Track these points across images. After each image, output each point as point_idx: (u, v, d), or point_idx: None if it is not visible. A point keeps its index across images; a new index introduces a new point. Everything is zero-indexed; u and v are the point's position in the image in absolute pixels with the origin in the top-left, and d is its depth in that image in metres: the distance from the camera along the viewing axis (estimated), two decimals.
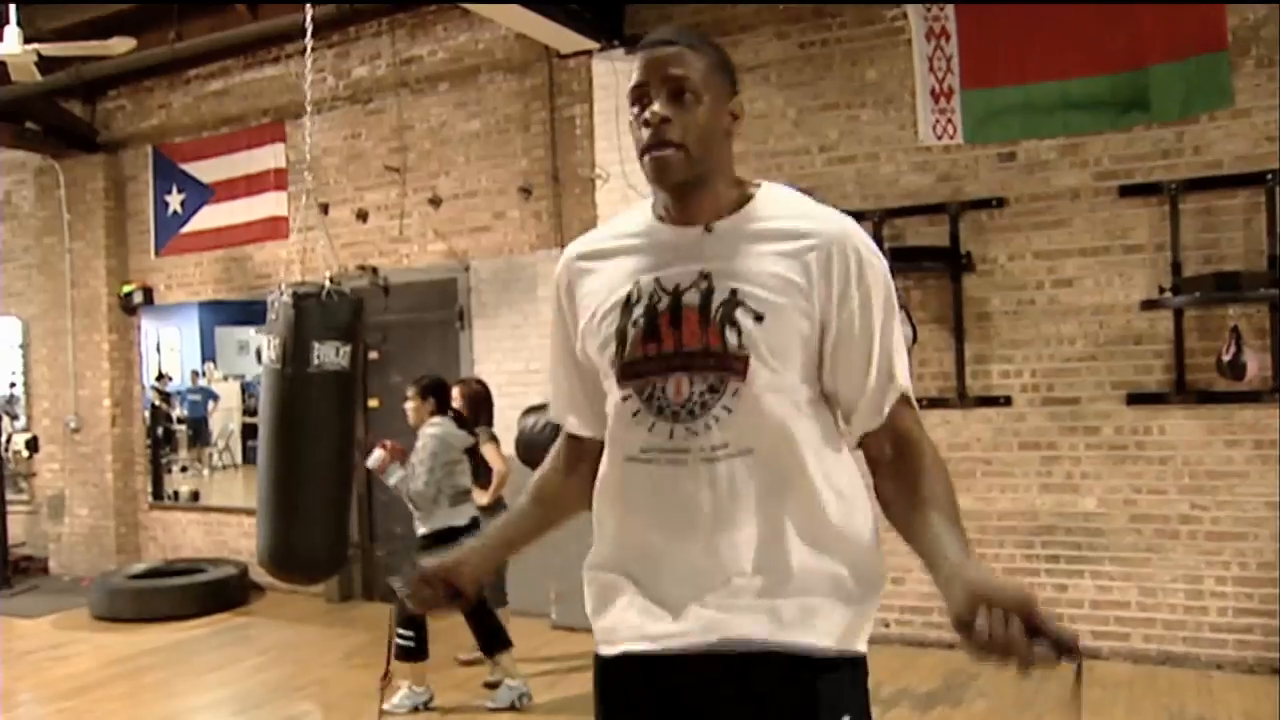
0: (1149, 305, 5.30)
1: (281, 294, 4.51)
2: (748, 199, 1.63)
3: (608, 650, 1.67)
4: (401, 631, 4.92)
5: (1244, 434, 5.19)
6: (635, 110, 1.59)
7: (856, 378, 1.59)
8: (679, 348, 1.57)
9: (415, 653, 5.01)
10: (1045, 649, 1.24)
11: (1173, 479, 5.34)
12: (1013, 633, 1.24)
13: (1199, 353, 5.26)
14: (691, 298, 1.57)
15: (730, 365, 1.54)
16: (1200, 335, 5.26)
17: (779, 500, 1.57)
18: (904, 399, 1.62)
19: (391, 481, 5.01)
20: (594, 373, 1.71)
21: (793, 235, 1.58)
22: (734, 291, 1.55)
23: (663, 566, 1.61)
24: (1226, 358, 5.06)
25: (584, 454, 1.80)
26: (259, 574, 7.81)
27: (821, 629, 1.57)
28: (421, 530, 5.04)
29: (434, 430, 5.06)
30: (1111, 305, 5.45)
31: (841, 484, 1.62)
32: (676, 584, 1.59)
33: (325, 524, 4.66)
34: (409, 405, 5.21)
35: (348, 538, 4.85)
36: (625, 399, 1.61)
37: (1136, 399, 5.39)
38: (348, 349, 4.59)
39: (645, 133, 1.56)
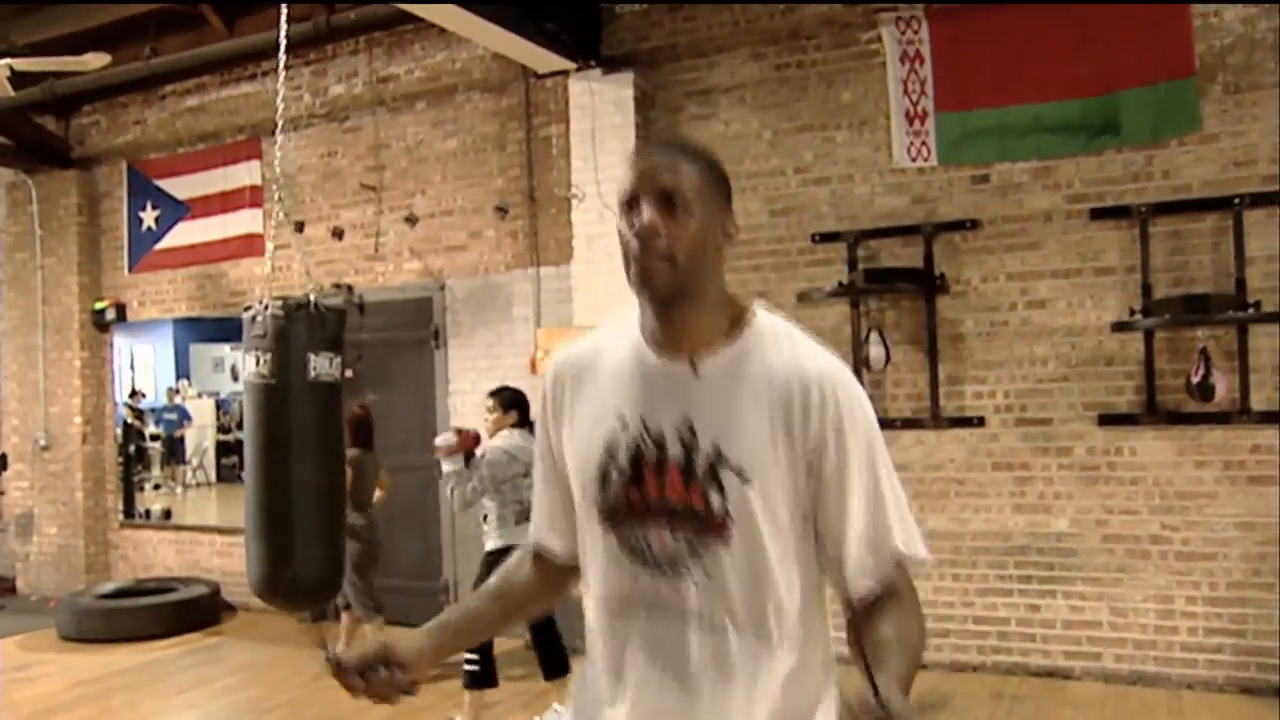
0: (1120, 327, 5.35)
1: (267, 306, 4.45)
2: (739, 330, 1.55)
3: None
4: (468, 656, 4.76)
5: (1213, 455, 5.24)
6: (625, 220, 1.51)
7: (837, 537, 1.52)
8: (662, 498, 1.51)
9: (481, 678, 4.83)
10: None
11: (1144, 499, 5.38)
12: None
13: (1169, 374, 5.31)
14: (675, 451, 1.51)
15: (711, 527, 1.49)
16: (1170, 357, 5.32)
17: (750, 674, 1.51)
18: (899, 565, 1.54)
19: (447, 469, 4.78)
20: (570, 492, 1.66)
21: (778, 385, 1.50)
22: (718, 449, 1.49)
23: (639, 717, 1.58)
24: (1196, 379, 5.11)
25: (554, 576, 1.76)
26: (231, 593, 7.77)
27: None
28: (486, 545, 4.86)
29: (499, 443, 4.87)
30: (1083, 327, 5.50)
31: (807, 679, 1.55)
32: None
33: (325, 545, 4.49)
34: (488, 416, 5.05)
35: (344, 559, 4.71)
36: (607, 544, 1.57)
37: (1108, 420, 5.43)
38: (339, 360, 4.57)
39: (634, 243, 1.49)
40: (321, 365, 4.50)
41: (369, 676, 1.59)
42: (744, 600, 1.50)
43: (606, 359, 1.61)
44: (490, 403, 5.06)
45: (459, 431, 4.87)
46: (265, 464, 4.46)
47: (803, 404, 1.49)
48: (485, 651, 4.77)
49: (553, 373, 1.68)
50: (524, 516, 4.56)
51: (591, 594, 1.63)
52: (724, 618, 1.50)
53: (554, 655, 4.95)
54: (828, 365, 1.53)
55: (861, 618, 1.52)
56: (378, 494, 6.34)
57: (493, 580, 1.81)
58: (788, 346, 1.54)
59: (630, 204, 1.51)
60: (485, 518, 4.89)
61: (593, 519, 1.58)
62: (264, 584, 4.39)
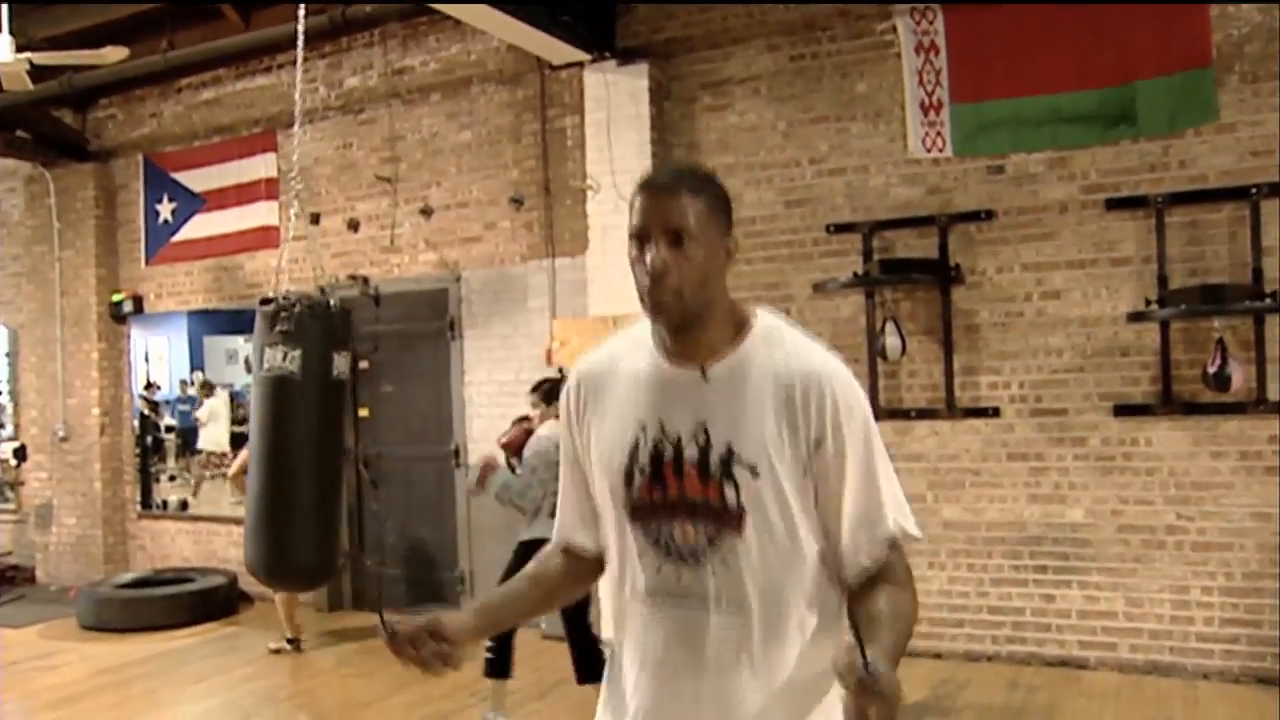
0: (1136, 317, 5.34)
1: (295, 303, 4.53)
2: (742, 333, 1.69)
3: None
4: (487, 644, 4.69)
5: (1229, 445, 5.23)
6: (635, 251, 1.64)
7: (836, 522, 1.65)
8: (683, 495, 1.65)
9: (496, 667, 4.78)
10: None
11: (1159, 490, 5.38)
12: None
13: (1185, 364, 5.30)
14: (691, 452, 1.64)
15: (728, 520, 1.62)
16: (1186, 347, 5.31)
17: (763, 657, 1.63)
18: (893, 546, 1.67)
19: (492, 493, 4.76)
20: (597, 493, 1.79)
21: (781, 383, 1.63)
22: (730, 448, 1.62)
23: (664, 706, 1.69)
24: (1212, 369, 5.10)
25: (583, 568, 1.89)
26: (248, 583, 7.81)
27: None
28: (521, 535, 4.74)
29: (546, 431, 4.78)
30: (1099, 317, 5.50)
31: (821, 660, 1.62)
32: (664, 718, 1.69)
33: (326, 534, 4.65)
34: (532, 412, 5.02)
35: (339, 546, 4.85)
36: (636, 539, 1.69)
37: (1123, 410, 5.43)
38: (348, 358, 4.69)
39: (645, 279, 1.62)
40: (340, 365, 4.63)
41: (418, 647, 1.70)
42: (759, 586, 1.62)
43: (624, 368, 1.75)
44: (533, 398, 5.03)
45: (482, 467, 4.81)
46: (282, 455, 4.54)
47: (803, 399, 1.62)
48: (503, 641, 4.72)
49: (575, 382, 1.82)
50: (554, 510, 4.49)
51: (618, 585, 1.76)
52: (741, 602, 1.63)
53: (590, 658, 4.75)
54: (824, 362, 1.67)
55: (857, 595, 1.65)
56: None
57: (531, 566, 1.94)
58: (787, 347, 1.68)
59: (640, 238, 1.64)
60: (519, 509, 4.83)
61: (620, 516, 1.71)
62: (270, 567, 4.61)
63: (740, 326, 1.70)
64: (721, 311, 1.69)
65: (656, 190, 1.65)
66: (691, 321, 1.65)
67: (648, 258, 1.62)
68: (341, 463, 4.86)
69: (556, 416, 4.74)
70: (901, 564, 1.67)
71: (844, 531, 1.64)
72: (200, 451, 11.48)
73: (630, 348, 1.77)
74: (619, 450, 1.70)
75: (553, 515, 4.53)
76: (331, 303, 4.66)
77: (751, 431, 1.62)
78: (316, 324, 4.54)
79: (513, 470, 4.89)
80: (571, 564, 1.89)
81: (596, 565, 1.85)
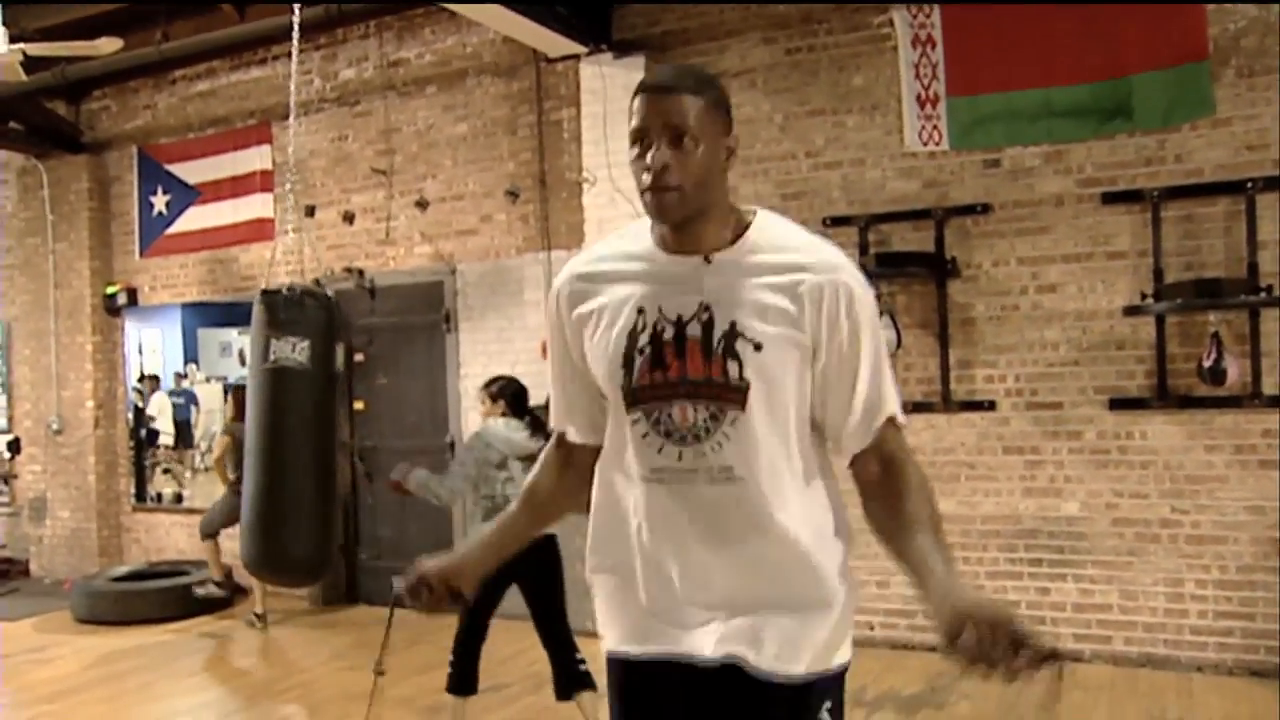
0: (1131, 311, 5.35)
1: (302, 294, 4.51)
2: (744, 228, 1.71)
3: (621, 651, 1.79)
4: (450, 658, 4.44)
5: (1224, 439, 5.24)
6: (635, 151, 1.66)
7: (844, 402, 1.70)
8: (684, 376, 1.67)
9: (458, 682, 4.43)
10: (1027, 658, 1.37)
11: (1154, 483, 5.39)
12: (997, 646, 1.38)
13: (1180, 358, 5.31)
14: (694, 329, 1.66)
15: (730, 396, 1.65)
16: (1181, 341, 5.32)
17: (765, 528, 1.69)
18: (891, 422, 1.73)
19: (412, 487, 4.44)
20: (593, 385, 1.81)
21: (786, 268, 1.66)
22: (733, 324, 1.65)
23: (672, 577, 1.74)
24: (1207, 363, 5.11)
25: (576, 460, 1.92)
26: (243, 576, 7.80)
27: (807, 657, 1.70)
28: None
29: (484, 428, 4.53)
30: (1094, 311, 5.50)
31: (820, 512, 1.75)
32: (684, 595, 1.73)
33: (323, 525, 4.63)
34: (480, 408, 4.76)
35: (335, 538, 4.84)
36: (634, 422, 1.72)
37: (1118, 404, 5.44)
38: (344, 351, 4.68)
39: (646, 176, 1.64)
40: (340, 356, 4.62)
41: (421, 593, 1.85)
42: (762, 455, 1.67)
43: (621, 263, 1.77)
44: (482, 394, 4.76)
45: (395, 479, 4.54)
46: (288, 448, 4.51)
47: (813, 288, 1.65)
48: (463, 653, 4.41)
49: (566, 278, 1.82)
50: (493, 514, 3.95)
51: (611, 471, 1.80)
52: (744, 473, 1.67)
53: (569, 669, 4.43)
54: (833, 255, 1.71)
55: (873, 491, 1.73)
56: None
57: (524, 485, 2.00)
58: (794, 238, 1.73)
59: (640, 138, 1.66)
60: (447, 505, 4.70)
61: (619, 403, 1.74)
62: (302, 560, 4.60)
63: (740, 224, 1.72)
64: (722, 210, 1.71)
65: (656, 90, 1.66)
66: (693, 219, 1.67)
67: (648, 156, 1.63)
68: (334, 455, 4.85)
69: (500, 414, 4.61)
70: (903, 445, 1.75)
71: (851, 415, 1.70)
72: (196, 445, 11.47)
73: (626, 244, 1.79)
74: (618, 338, 1.71)
75: (487, 519, 4.39)
76: (330, 294, 4.66)
77: (755, 310, 1.64)
78: (321, 315, 4.54)
79: None
80: (565, 458, 1.94)
81: (591, 455, 1.88)
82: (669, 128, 1.63)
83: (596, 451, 1.86)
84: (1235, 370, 5.09)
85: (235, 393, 7.38)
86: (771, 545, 1.69)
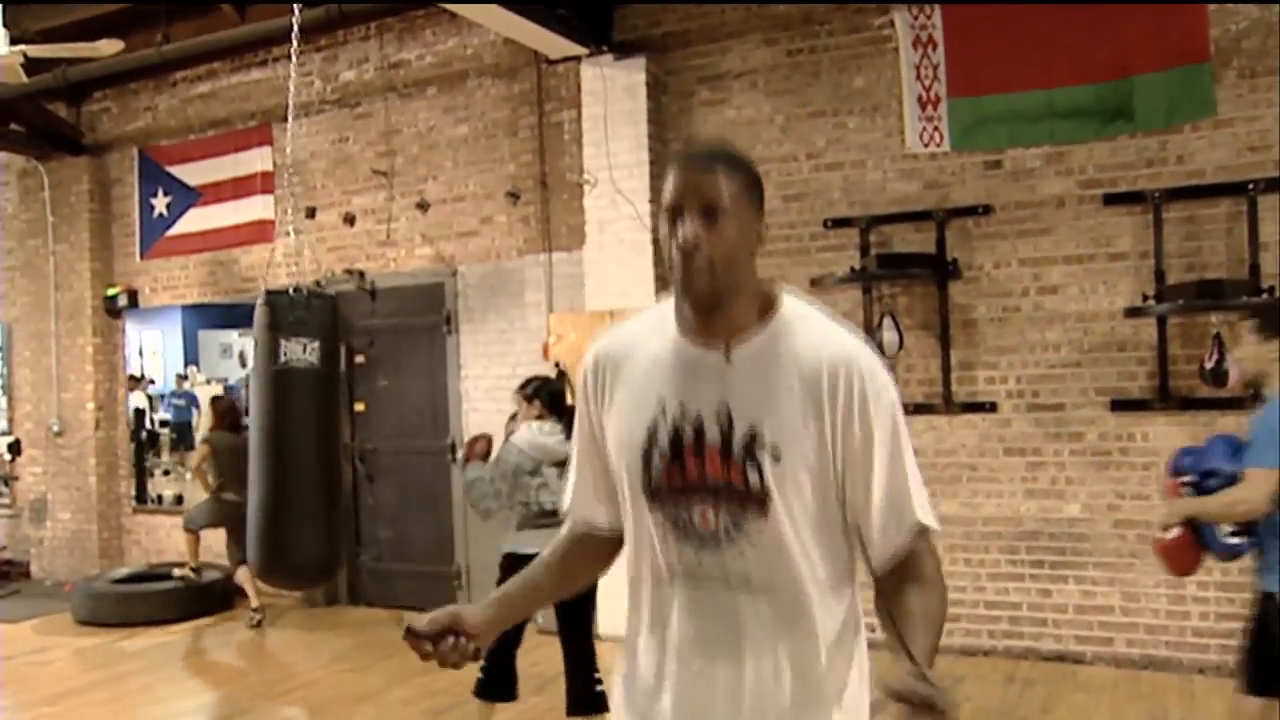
0: (1133, 312, 5.34)
1: (308, 294, 4.50)
2: (768, 315, 1.67)
3: None
4: (482, 662, 4.31)
5: None
6: (667, 227, 1.63)
7: (863, 509, 1.63)
8: (703, 478, 1.63)
9: (487, 688, 4.37)
10: None
11: (1156, 485, 5.36)
12: None
13: (1182, 360, 5.30)
14: (713, 433, 1.62)
15: (751, 503, 1.61)
16: (1183, 342, 5.31)
17: (786, 639, 1.64)
18: (923, 535, 1.65)
19: (470, 476, 4.44)
20: (615, 473, 1.77)
21: (806, 367, 1.61)
22: (753, 429, 1.60)
23: (681, 688, 1.68)
24: (1209, 365, 5.10)
25: (599, 542, 1.88)
26: (239, 577, 7.80)
27: None
28: (504, 548, 4.37)
29: (518, 438, 4.42)
30: (1095, 312, 5.50)
31: (842, 629, 1.68)
32: (696, 706, 1.67)
33: (330, 527, 4.60)
34: (517, 411, 4.68)
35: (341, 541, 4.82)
36: (655, 521, 1.68)
37: (1120, 405, 5.43)
38: (344, 352, 4.68)
39: (678, 255, 1.61)
40: (342, 357, 4.62)
41: (438, 643, 1.71)
42: (783, 568, 1.61)
43: (645, 348, 1.73)
44: (517, 396, 4.67)
45: (472, 441, 4.60)
46: (298, 450, 4.49)
47: (830, 384, 1.60)
48: (497, 658, 4.29)
49: (594, 359, 1.79)
50: (528, 521, 4.32)
51: (638, 569, 1.74)
52: (765, 584, 1.62)
53: (585, 688, 4.39)
54: (853, 347, 1.65)
55: (887, 589, 1.65)
56: None
57: (547, 552, 1.91)
58: (814, 330, 1.67)
59: (673, 213, 1.62)
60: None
61: (639, 498, 1.69)
62: (311, 563, 4.54)
63: (766, 309, 1.68)
64: (749, 293, 1.67)
65: (693, 166, 1.64)
66: (720, 301, 1.63)
67: (680, 233, 1.60)
68: (338, 455, 4.85)
69: (536, 417, 4.53)
70: (931, 556, 1.66)
71: (872, 520, 1.63)
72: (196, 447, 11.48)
73: (652, 327, 1.74)
74: (638, 430, 1.68)
75: (522, 527, 4.37)
76: (333, 295, 4.67)
77: (776, 414, 1.60)
78: (328, 316, 4.55)
79: None
80: (588, 543, 1.88)
81: (614, 544, 1.85)
82: (703, 205, 1.60)
83: (617, 538, 1.82)
84: (1237, 372, 5.08)
85: (214, 403, 7.75)
86: (792, 656, 1.64)
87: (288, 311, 4.45)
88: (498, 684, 4.39)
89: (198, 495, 7.59)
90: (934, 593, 1.63)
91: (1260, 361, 3.36)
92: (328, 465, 4.54)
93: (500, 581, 4.22)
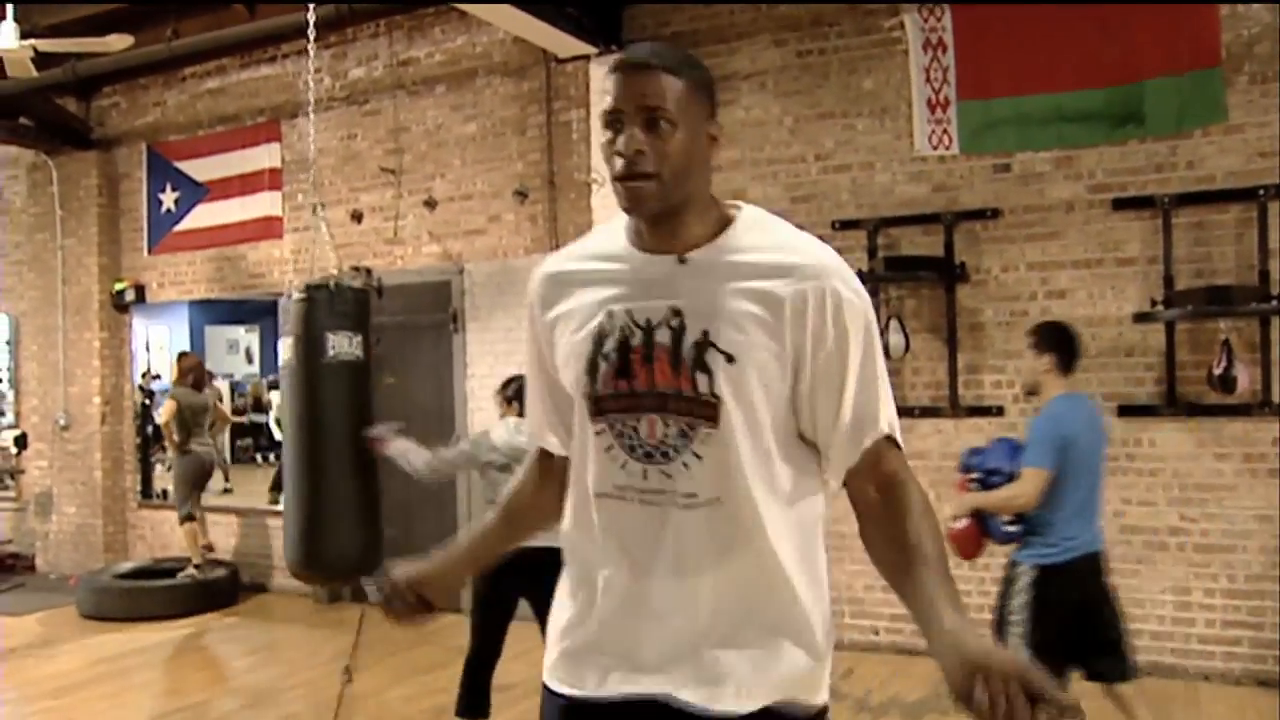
0: (1141, 318, 5.33)
1: (336, 286, 4.48)
2: (725, 224, 1.57)
3: (561, 688, 1.65)
4: (463, 679, 4.36)
5: (1234, 447, 5.21)
6: (608, 135, 1.51)
7: (830, 416, 1.54)
8: (651, 387, 1.53)
9: (468, 706, 4.32)
10: (1045, 714, 1.26)
11: (1162, 491, 5.36)
12: (1014, 702, 1.27)
13: (1190, 366, 5.28)
14: (663, 336, 1.52)
15: (701, 411, 1.51)
16: (1191, 348, 5.29)
17: (741, 553, 1.54)
18: (888, 440, 1.56)
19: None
20: (568, 394, 1.67)
21: (768, 271, 1.51)
22: (705, 333, 1.50)
23: (628, 608, 1.58)
24: (1218, 371, 5.09)
25: (556, 472, 1.77)
26: (248, 574, 7.83)
27: (775, 689, 1.55)
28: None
29: (493, 430, 4.47)
30: (1104, 317, 5.48)
31: (801, 540, 1.58)
32: (640, 628, 1.57)
33: (371, 520, 4.60)
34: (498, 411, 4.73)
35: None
36: (598, 433, 1.58)
37: (1127, 411, 5.41)
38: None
39: (619, 162, 1.50)
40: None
41: (393, 604, 1.78)
42: (731, 482, 1.52)
43: (593, 263, 1.64)
44: (498, 397, 4.74)
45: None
46: (345, 439, 4.46)
47: (797, 293, 1.49)
48: (474, 675, 4.31)
49: (540, 277, 1.71)
50: None
51: (575, 486, 1.65)
52: (710, 500, 1.52)
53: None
54: (822, 256, 1.54)
55: (873, 519, 1.56)
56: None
57: (502, 497, 1.89)
58: (779, 236, 1.57)
59: (612, 120, 1.51)
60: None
61: (584, 412, 1.60)
62: (353, 559, 4.50)
63: (723, 219, 1.57)
64: (702, 203, 1.56)
65: (631, 68, 1.50)
66: (670, 212, 1.53)
67: (620, 141, 1.49)
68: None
69: (516, 415, 4.48)
70: (900, 459, 1.57)
71: (837, 432, 1.54)
72: None
73: (601, 242, 1.66)
74: (584, 340, 1.58)
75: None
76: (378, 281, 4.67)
77: (729, 318, 1.50)
78: (364, 308, 4.57)
79: None
80: (547, 472, 1.81)
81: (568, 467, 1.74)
82: (644, 109, 1.48)
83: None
84: (1245, 378, 5.06)
85: (181, 359, 7.99)
86: (745, 570, 1.53)
87: (331, 304, 4.42)
88: (481, 701, 4.34)
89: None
90: (928, 522, 1.52)
91: (1034, 373, 3.90)
92: (369, 457, 4.54)
93: (475, 583, 4.20)
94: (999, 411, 5.67)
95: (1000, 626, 3.78)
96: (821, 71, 6.09)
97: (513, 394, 4.53)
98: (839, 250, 4.89)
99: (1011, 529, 3.83)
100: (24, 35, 5.72)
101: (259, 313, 9.26)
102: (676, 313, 1.52)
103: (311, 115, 5.11)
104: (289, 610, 7.31)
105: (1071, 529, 3.72)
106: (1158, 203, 5.33)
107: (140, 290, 8.56)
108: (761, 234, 1.57)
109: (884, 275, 5.77)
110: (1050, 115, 5.51)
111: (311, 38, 4.93)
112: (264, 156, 7.86)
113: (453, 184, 7.19)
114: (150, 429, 8.89)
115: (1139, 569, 5.39)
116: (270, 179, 7.82)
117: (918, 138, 5.76)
